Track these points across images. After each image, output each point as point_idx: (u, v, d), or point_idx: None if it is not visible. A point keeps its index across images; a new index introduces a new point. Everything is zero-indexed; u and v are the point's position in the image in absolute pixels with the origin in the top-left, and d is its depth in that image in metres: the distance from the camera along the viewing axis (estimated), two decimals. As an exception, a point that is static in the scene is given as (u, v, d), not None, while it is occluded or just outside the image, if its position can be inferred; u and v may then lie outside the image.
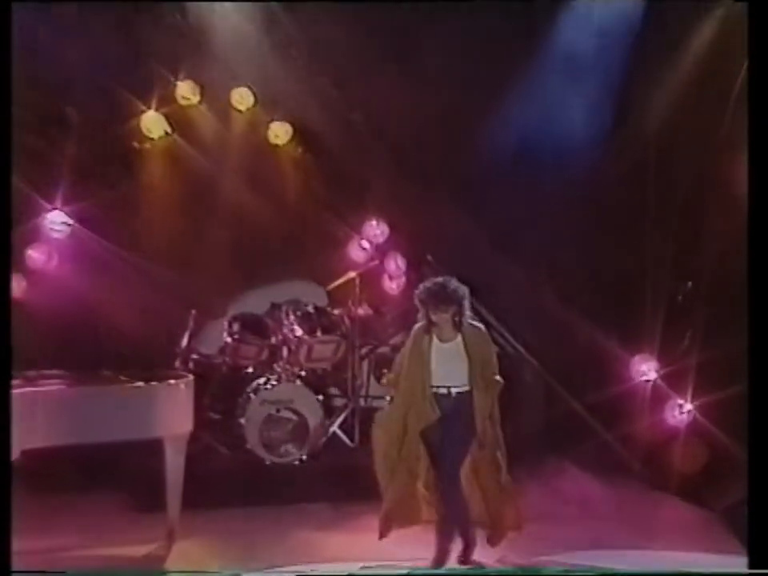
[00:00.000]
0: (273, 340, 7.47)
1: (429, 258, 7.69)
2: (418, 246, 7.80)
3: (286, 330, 7.43)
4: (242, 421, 7.07)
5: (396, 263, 7.85)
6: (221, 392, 7.33)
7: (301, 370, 7.39)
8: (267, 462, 7.02)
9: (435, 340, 5.35)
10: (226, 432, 7.25)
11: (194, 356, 7.24)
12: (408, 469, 5.36)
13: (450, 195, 7.73)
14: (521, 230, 7.71)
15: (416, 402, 5.29)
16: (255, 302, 7.72)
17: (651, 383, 7.34)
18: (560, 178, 7.51)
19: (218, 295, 7.60)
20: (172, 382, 5.92)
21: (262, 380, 7.25)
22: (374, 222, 7.87)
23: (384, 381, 6.22)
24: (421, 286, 5.44)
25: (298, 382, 7.23)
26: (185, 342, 7.15)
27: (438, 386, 5.30)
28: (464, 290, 5.39)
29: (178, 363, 7.01)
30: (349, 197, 7.79)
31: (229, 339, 7.35)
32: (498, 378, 5.40)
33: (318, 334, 7.41)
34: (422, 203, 7.66)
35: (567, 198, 7.55)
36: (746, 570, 4.70)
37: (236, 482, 6.84)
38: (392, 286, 7.93)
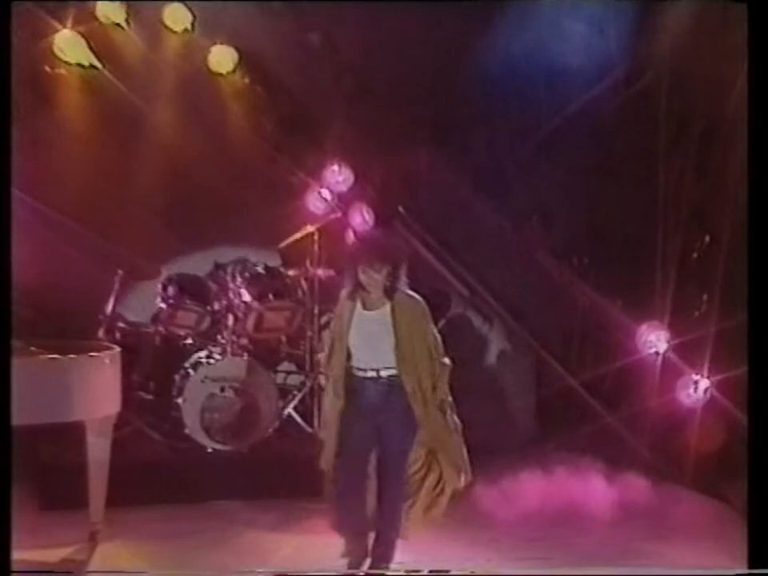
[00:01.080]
0: (216, 306, 7.43)
1: (400, 209, 7.71)
2: (387, 195, 7.78)
3: (231, 295, 7.40)
4: (179, 401, 7.06)
5: (362, 216, 7.81)
6: (153, 367, 7.31)
7: (249, 341, 7.36)
8: (209, 450, 7.01)
9: (359, 307, 5.13)
10: (160, 415, 7.23)
11: (121, 324, 7.22)
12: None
13: (427, 136, 7.71)
14: (509, 176, 7.80)
15: (341, 389, 5.09)
16: (195, 262, 7.67)
17: (661, 356, 7.34)
18: (556, 115, 7.52)
19: (150, 253, 7.51)
20: (94, 354, 5.89)
21: (202, 353, 7.23)
22: (335, 168, 7.82)
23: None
24: (352, 240, 5.34)
25: (246, 355, 7.19)
26: (109, 307, 7.12)
27: (364, 369, 5.06)
28: (404, 250, 5.27)
29: (101, 333, 6.98)
30: (306, 137, 7.74)
31: (163, 305, 7.32)
32: (445, 360, 5.17)
33: (270, 299, 7.37)
34: (392, 145, 7.62)
35: (564, 137, 7.57)
36: (746, 570, 4.85)
37: (172, 474, 6.81)
38: (357, 243, 7.91)
